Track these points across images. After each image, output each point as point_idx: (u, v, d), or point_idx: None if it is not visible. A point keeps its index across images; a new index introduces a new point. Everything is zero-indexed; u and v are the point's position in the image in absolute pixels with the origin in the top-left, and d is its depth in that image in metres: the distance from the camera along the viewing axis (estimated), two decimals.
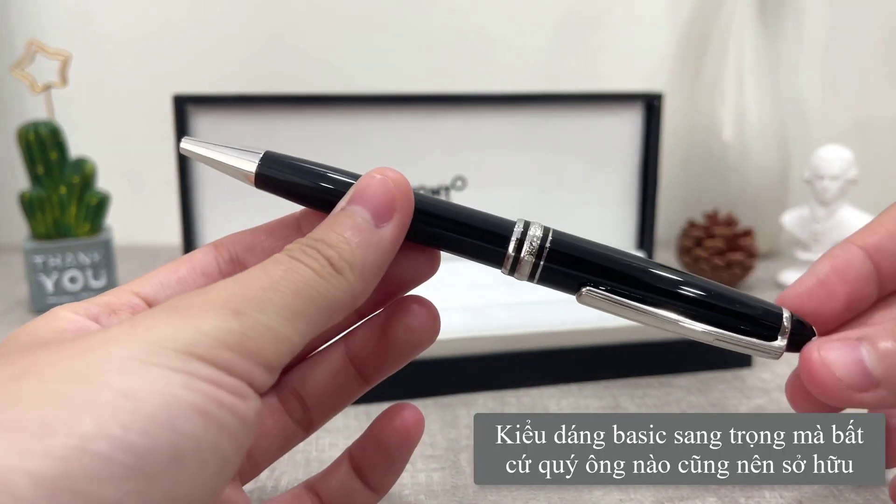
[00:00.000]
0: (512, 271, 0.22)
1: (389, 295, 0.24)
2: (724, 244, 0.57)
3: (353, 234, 0.20)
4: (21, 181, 0.60)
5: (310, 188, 0.22)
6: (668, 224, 0.71)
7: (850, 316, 0.24)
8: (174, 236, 0.63)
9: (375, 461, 0.25)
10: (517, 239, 0.22)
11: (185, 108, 0.48)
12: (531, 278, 0.22)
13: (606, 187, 0.55)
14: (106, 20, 0.70)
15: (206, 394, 0.15)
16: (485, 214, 0.23)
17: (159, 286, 0.22)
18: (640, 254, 0.55)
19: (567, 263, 0.22)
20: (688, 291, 0.23)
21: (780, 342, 0.23)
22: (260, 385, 0.17)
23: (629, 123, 0.54)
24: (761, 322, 0.23)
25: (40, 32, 0.68)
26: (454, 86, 0.71)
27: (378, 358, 0.24)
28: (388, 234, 0.20)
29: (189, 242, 0.49)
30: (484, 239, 0.22)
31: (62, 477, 0.13)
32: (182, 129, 0.47)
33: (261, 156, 0.22)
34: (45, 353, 0.16)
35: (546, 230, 0.22)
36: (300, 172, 0.22)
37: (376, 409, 0.37)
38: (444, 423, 0.36)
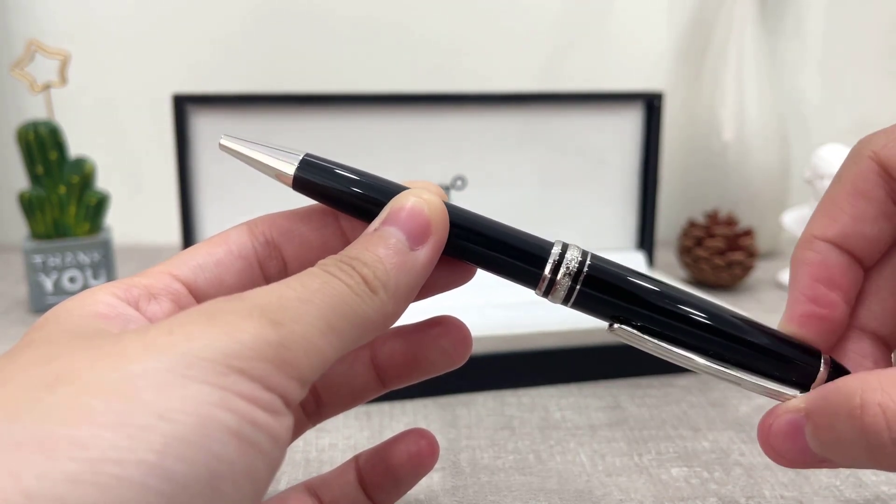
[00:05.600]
0: (546, 293, 0.22)
1: (418, 296, 0.24)
2: (724, 244, 0.57)
3: (387, 256, 0.19)
4: (21, 181, 0.60)
5: (347, 196, 0.22)
6: (668, 224, 0.71)
7: (851, 310, 0.24)
8: (174, 236, 0.63)
9: (383, 482, 0.25)
10: (554, 261, 0.21)
11: (184, 108, 0.48)
12: (566, 301, 0.22)
13: (607, 187, 0.55)
14: (105, 20, 0.70)
15: (242, 413, 0.15)
16: (522, 233, 0.22)
17: (198, 269, 0.21)
18: (640, 255, 0.55)
19: (604, 289, 0.21)
20: (727, 329, 0.22)
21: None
22: (293, 400, 0.17)
23: (629, 123, 0.54)
24: (797, 366, 0.22)
25: (40, 32, 0.68)
26: (454, 86, 0.71)
27: (404, 370, 0.24)
28: (422, 257, 0.20)
29: (189, 242, 0.49)
30: (520, 258, 0.22)
31: None
32: (182, 129, 0.47)
33: (300, 158, 0.22)
34: (80, 356, 0.15)
35: (585, 253, 0.22)
36: (338, 179, 0.22)
37: (377, 409, 0.37)
38: (444, 423, 0.36)
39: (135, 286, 0.20)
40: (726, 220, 0.60)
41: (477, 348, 0.39)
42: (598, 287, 0.21)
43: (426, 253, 0.20)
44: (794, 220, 0.61)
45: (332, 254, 0.21)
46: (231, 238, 0.22)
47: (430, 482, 0.31)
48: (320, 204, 0.23)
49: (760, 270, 0.63)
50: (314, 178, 0.22)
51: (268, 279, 0.22)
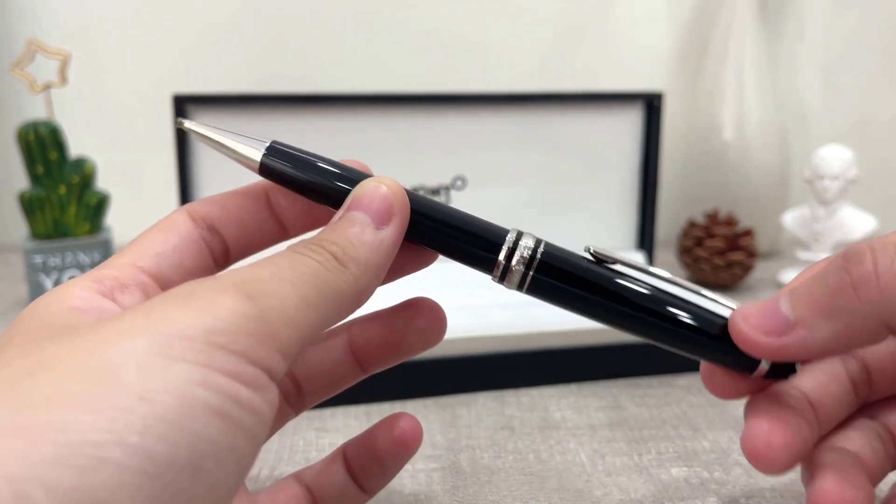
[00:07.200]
0: (501, 279, 0.23)
1: (385, 279, 0.24)
2: (724, 244, 0.57)
3: (354, 235, 0.20)
4: (21, 181, 0.60)
5: (312, 183, 0.22)
6: (668, 224, 0.71)
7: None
8: None
9: (370, 467, 0.25)
10: (508, 248, 0.22)
11: (184, 108, 0.48)
12: (520, 287, 0.23)
13: (606, 187, 0.55)
14: (105, 20, 0.70)
15: (224, 390, 0.15)
16: (479, 220, 0.23)
17: (159, 258, 0.21)
18: (639, 255, 0.55)
19: (556, 276, 0.22)
20: (677, 313, 0.23)
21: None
22: (276, 373, 0.17)
23: (629, 123, 0.54)
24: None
25: (40, 32, 0.68)
26: (454, 86, 0.71)
27: (383, 353, 0.25)
28: (388, 236, 0.21)
29: None
30: (476, 244, 0.22)
31: (78, 489, 0.13)
32: (182, 129, 0.47)
33: (267, 145, 0.22)
34: (60, 344, 0.15)
35: (538, 241, 0.23)
36: (304, 165, 0.22)
37: (377, 409, 0.37)
38: (444, 423, 0.36)
39: (106, 278, 0.20)
40: (726, 220, 0.60)
41: (477, 348, 0.40)
42: (550, 274, 0.22)
43: (391, 232, 0.21)
44: (794, 220, 0.61)
45: (268, 235, 0.22)
46: (178, 223, 0.22)
47: (430, 482, 0.31)
48: (254, 186, 0.23)
49: (760, 270, 0.63)
50: (280, 164, 0.22)
51: (215, 261, 0.23)
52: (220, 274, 0.18)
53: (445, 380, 0.39)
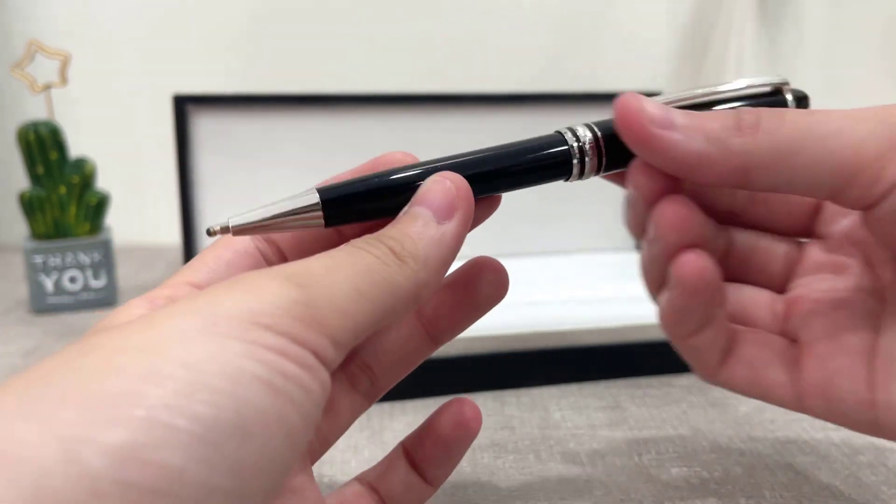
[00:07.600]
0: (580, 176, 0.24)
1: None
2: None
3: (414, 230, 0.20)
4: (21, 181, 0.60)
5: (381, 197, 0.21)
6: None
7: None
8: (174, 236, 0.63)
9: (434, 456, 0.25)
10: (575, 148, 0.23)
11: (185, 108, 0.48)
12: (597, 172, 0.24)
13: (606, 187, 0.55)
14: (106, 20, 0.70)
15: (271, 364, 0.15)
16: (529, 143, 0.23)
17: (212, 273, 0.22)
18: (639, 256, 0.55)
19: (623, 146, 0.23)
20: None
21: None
22: (327, 358, 0.17)
23: None
24: None
25: (40, 32, 0.68)
26: (454, 86, 0.71)
27: (455, 317, 0.25)
28: (450, 230, 0.21)
29: (189, 242, 0.49)
30: (545, 163, 0.23)
31: (129, 446, 0.13)
32: (182, 129, 0.47)
33: (314, 192, 0.21)
34: (110, 332, 0.16)
35: (589, 126, 0.24)
36: (364, 187, 0.21)
37: (377, 409, 0.37)
38: None
39: (158, 297, 0.20)
40: None
41: (477, 348, 0.40)
42: (619, 146, 0.23)
43: (454, 226, 0.21)
44: None
45: (325, 243, 0.21)
46: (234, 239, 0.23)
47: None
48: None
49: None
50: (341, 192, 0.21)
51: None
52: (270, 267, 0.18)
53: (446, 380, 0.39)
